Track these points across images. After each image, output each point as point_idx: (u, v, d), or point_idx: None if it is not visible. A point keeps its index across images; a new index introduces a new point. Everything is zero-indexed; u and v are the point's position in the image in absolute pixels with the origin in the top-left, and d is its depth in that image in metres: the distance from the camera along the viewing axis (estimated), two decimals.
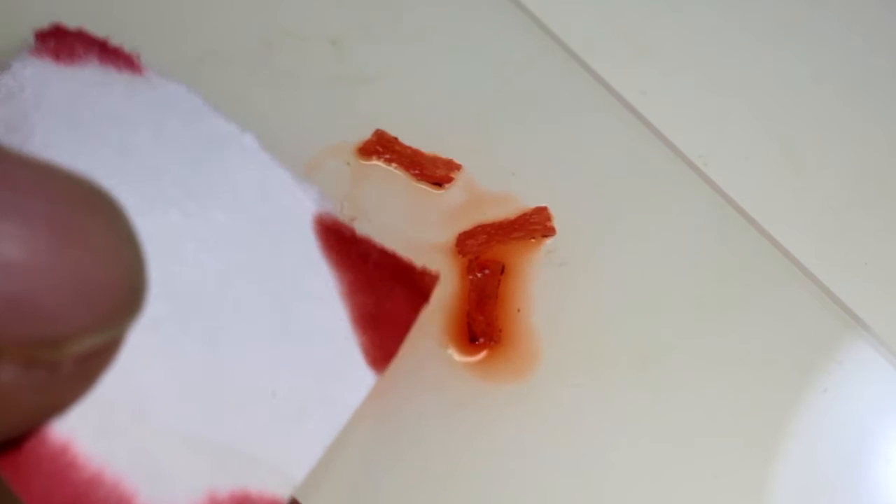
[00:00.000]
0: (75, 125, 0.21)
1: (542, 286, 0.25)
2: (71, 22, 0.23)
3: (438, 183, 0.26)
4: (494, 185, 0.26)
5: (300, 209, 0.22)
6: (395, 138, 0.26)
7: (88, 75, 0.22)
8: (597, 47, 0.29)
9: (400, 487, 0.23)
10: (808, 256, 0.26)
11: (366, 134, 0.26)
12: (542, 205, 0.26)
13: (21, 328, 0.15)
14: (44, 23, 0.22)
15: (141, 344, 0.17)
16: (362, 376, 0.21)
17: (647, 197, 0.27)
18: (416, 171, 0.26)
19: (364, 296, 0.21)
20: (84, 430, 0.18)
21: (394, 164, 0.26)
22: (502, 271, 0.25)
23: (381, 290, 0.22)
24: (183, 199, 0.21)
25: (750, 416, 0.24)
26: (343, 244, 0.22)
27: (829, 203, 0.27)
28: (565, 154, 0.27)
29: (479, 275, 0.25)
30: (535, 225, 0.26)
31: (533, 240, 0.26)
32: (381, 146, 0.26)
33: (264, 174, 0.22)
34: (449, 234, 0.25)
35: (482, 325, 0.24)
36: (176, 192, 0.21)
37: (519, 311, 0.25)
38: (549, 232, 0.26)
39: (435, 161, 0.26)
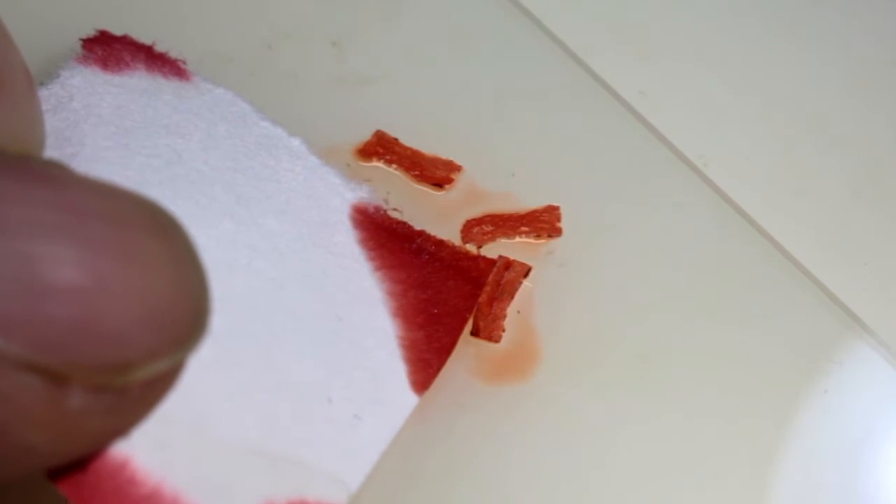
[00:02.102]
0: (125, 134, 0.20)
1: (542, 286, 0.25)
2: (76, 23, 0.23)
3: (439, 184, 0.26)
4: (494, 185, 0.26)
5: (350, 210, 0.22)
6: (396, 139, 0.26)
7: (136, 83, 0.22)
8: (597, 47, 0.29)
9: (400, 487, 0.23)
10: (808, 256, 0.26)
11: (366, 135, 0.26)
12: (549, 204, 0.26)
13: (90, 354, 0.15)
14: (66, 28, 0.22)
15: (197, 357, 0.17)
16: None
17: (647, 197, 0.27)
18: (417, 173, 0.26)
19: (419, 291, 0.21)
20: (143, 446, 0.18)
21: (394, 166, 0.26)
22: (527, 274, 0.25)
23: (437, 284, 0.22)
24: (234, 206, 0.20)
25: (750, 417, 0.24)
26: (396, 241, 0.22)
27: (829, 203, 0.27)
28: (565, 154, 0.27)
29: (504, 273, 0.25)
30: (543, 223, 0.26)
31: (538, 238, 0.26)
32: (382, 147, 0.26)
33: (313, 177, 0.22)
34: (449, 235, 0.25)
35: (487, 321, 0.24)
36: (227, 200, 0.20)
37: (519, 311, 0.25)
38: (555, 232, 0.26)
39: (435, 162, 0.26)
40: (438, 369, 0.21)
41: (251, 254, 0.20)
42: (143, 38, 0.24)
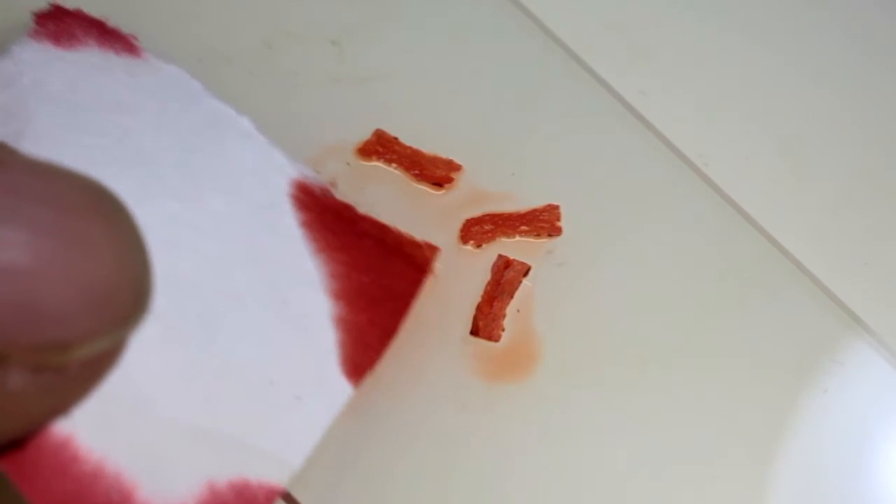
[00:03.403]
0: (75, 111, 0.20)
1: (541, 286, 0.25)
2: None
3: (438, 183, 0.26)
4: (494, 185, 0.26)
5: (295, 191, 0.22)
6: (396, 138, 0.26)
7: (88, 59, 0.22)
8: (597, 47, 0.29)
9: (400, 486, 0.23)
10: (808, 256, 0.26)
11: (366, 134, 0.26)
12: (549, 203, 0.26)
13: (29, 334, 0.15)
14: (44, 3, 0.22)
15: (140, 337, 0.17)
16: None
17: (647, 197, 0.27)
18: (417, 172, 0.26)
19: (362, 274, 0.21)
20: (84, 425, 0.18)
21: (394, 165, 0.26)
22: (526, 273, 0.25)
23: (381, 268, 0.22)
24: (181, 185, 0.20)
25: (750, 416, 0.24)
26: (340, 223, 0.22)
27: (829, 203, 0.27)
28: (565, 154, 0.27)
29: (504, 273, 0.25)
30: (543, 222, 0.26)
31: (538, 237, 0.26)
32: (381, 146, 0.26)
33: (261, 158, 0.22)
34: (449, 235, 0.25)
35: (487, 320, 0.24)
36: (174, 179, 0.20)
37: (519, 311, 0.25)
38: (555, 231, 0.26)
39: (435, 161, 0.26)
40: (380, 353, 0.21)
41: (196, 234, 0.20)
42: (143, 37, 0.24)
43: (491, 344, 0.24)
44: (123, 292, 0.16)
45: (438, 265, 0.24)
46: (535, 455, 0.23)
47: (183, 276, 0.20)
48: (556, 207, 0.26)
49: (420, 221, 0.25)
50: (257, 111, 0.23)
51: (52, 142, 0.20)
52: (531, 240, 0.26)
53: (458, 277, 0.25)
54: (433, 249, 0.22)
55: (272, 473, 0.19)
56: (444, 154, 0.26)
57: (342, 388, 0.21)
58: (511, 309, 0.25)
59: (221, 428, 0.19)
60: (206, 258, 0.20)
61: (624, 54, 0.29)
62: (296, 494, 0.22)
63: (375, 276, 0.21)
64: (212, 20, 0.28)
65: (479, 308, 0.25)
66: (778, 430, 0.24)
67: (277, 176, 0.22)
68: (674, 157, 0.27)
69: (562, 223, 0.26)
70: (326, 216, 0.22)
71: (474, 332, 0.24)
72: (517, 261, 0.25)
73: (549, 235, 0.26)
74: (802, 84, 0.29)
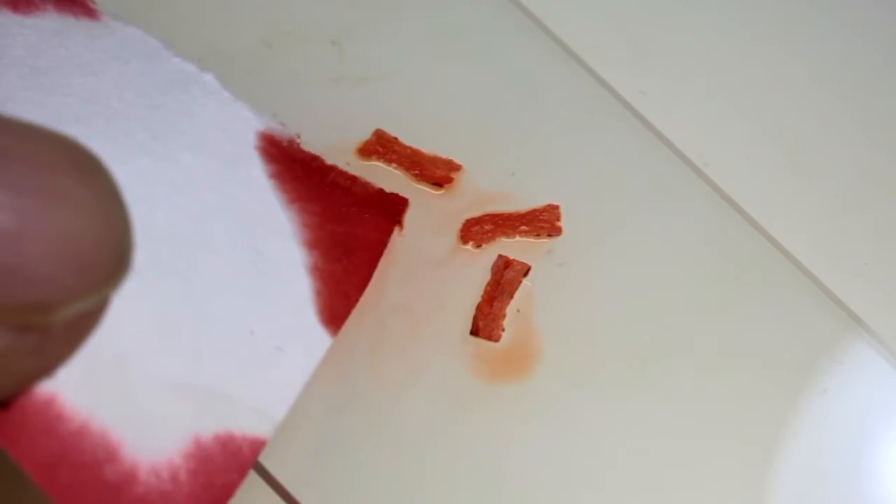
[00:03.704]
0: (39, 74, 0.21)
1: (541, 285, 0.25)
2: None
3: (438, 183, 0.26)
4: (494, 185, 0.26)
5: (263, 144, 0.22)
6: (395, 138, 0.26)
7: (47, 24, 0.22)
8: (597, 47, 0.29)
9: (400, 486, 0.23)
10: (808, 256, 0.26)
11: (365, 134, 0.26)
12: (549, 203, 0.26)
13: (13, 294, 0.15)
14: None
15: (121, 294, 0.17)
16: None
17: (647, 197, 0.27)
18: (416, 172, 0.26)
19: (334, 224, 0.22)
20: (69, 383, 0.18)
21: (394, 165, 0.26)
22: (526, 273, 0.25)
23: (352, 218, 0.22)
24: (150, 142, 0.20)
25: (750, 416, 0.24)
26: (310, 175, 0.22)
27: (829, 203, 0.27)
28: (565, 154, 0.27)
29: (504, 273, 0.25)
30: (543, 222, 0.26)
31: (538, 237, 0.26)
32: (381, 146, 0.26)
33: (226, 112, 0.22)
34: (449, 235, 0.25)
35: (487, 321, 0.24)
36: (143, 136, 0.21)
37: (519, 311, 0.25)
38: (555, 231, 0.26)
39: (435, 161, 0.26)
40: (356, 301, 0.21)
41: (169, 189, 0.20)
42: None
43: (491, 344, 0.24)
44: (106, 251, 0.16)
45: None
46: (536, 455, 0.23)
47: (159, 232, 0.20)
48: (556, 207, 0.26)
49: (420, 221, 0.25)
50: (257, 111, 0.23)
51: (19, 104, 0.20)
52: (531, 240, 0.26)
53: (457, 277, 0.25)
54: (403, 201, 0.23)
55: (256, 425, 0.20)
56: (444, 154, 0.26)
57: (321, 337, 0.21)
58: (511, 309, 0.25)
59: (204, 381, 0.19)
60: (180, 212, 0.20)
61: (624, 54, 0.29)
62: (295, 493, 0.22)
63: (348, 227, 0.22)
64: (212, 20, 0.28)
65: (478, 308, 0.25)
66: (778, 429, 0.24)
67: (244, 129, 0.22)
68: (674, 157, 0.27)
69: (562, 223, 0.26)
70: (295, 167, 0.22)
71: (474, 332, 0.24)
72: (517, 261, 0.25)
73: (549, 235, 0.26)
74: (802, 84, 0.29)
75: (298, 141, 0.23)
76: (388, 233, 0.22)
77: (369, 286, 0.22)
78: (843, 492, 0.24)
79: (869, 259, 0.27)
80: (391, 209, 0.23)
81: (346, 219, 0.22)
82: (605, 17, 0.29)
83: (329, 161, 0.23)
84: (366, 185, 0.22)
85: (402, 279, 0.25)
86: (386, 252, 0.22)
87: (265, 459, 0.22)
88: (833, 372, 0.25)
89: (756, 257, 0.26)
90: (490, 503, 0.23)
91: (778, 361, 0.25)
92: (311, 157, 0.22)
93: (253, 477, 0.22)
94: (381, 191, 0.22)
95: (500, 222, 0.26)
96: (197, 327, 0.20)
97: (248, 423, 0.20)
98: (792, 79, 0.29)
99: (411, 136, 0.26)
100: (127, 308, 0.18)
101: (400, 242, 0.24)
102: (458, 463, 0.23)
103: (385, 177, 0.26)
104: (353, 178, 0.22)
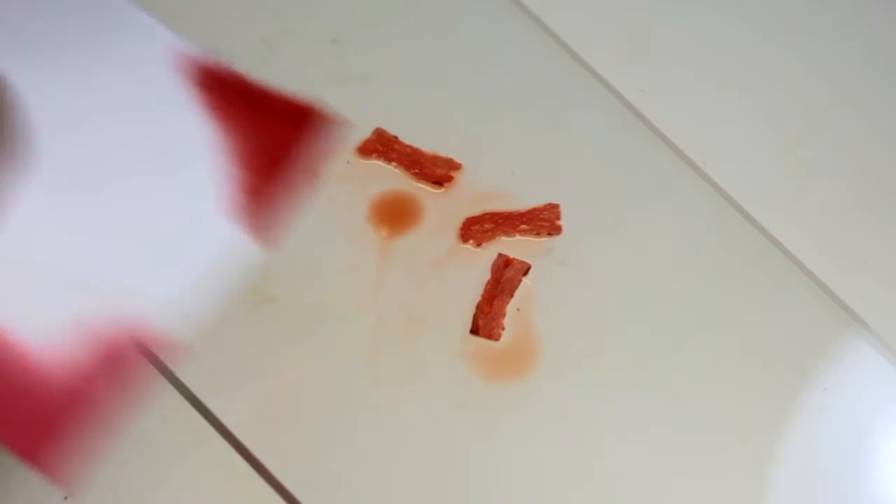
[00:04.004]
0: None
1: (542, 284, 0.25)
2: None
3: (438, 182, 0.26)
4: (494, 183, 0.26)
5: (182, 62, 0.23)
6: (395, 137, 0.26)
7: None
8: (597, 47, 0.29)
9: (400, 485, 0.23)
10: (808, 256, 0.26)
11: (365, 132, 0.26)
12: (549, 202, 0.26)
13: None
14: None
15: (26, 200, 0.18)
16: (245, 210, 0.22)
17: (647, 196, 0.27)
18: (417, 170, 0.26)
19: (254, 134, 0.22)
20: None
21: (394, 163, 0.26)
22: (527, 272, 0.25)
23: (271, 128, 0.22)
24: (72, 66, 0.21)
25: (750, 415, 0.24)
26: (227, 89, 0.22)
27: (829, 203, 0.27)
28: (565, 153, 0.27)
29: (504, 271, 0.25)
30: (543, 221, 0.26)
31: (538, 236, 0.26)
32: (381, 145, 0.26)
33: (144, 35, 0.23)
34: (449, 233, 0.25)
35: (487, 319, 0.24)
36: (64, 61, 0.21)
37: (519, 310, 0.25)
38: (555, 230, 0.26)
39: (435, 160, 0.26)
40: (281, 207, 0.22)
41: (89, 109, 0.21)
42: None
43: (491, 343, 0.24)
44: None
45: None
46: (535, 453, 0.23)
47: (79, 151, 0.21)
48: (556, 206, 0.26)
49: (420, 220, 0.25)
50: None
51: None
52: (531, 238, 0.26)
53: (457, 276, 0.25)
54: (320, 113, 0.23)
55: (150, 309, 0.20)
56: (443, 153, 0.26)
57: (224, 228, 0.22)
58: (511, 308, 0.25)
59: (99, 271, 0.20)
60: (103, 132, 0.21)
61: (624, 53, 0.29)
62: (296, 493, 0.22)
63: (267, 137, 0.22)
64: (212, 19, 0.28)
65: (479, 307, 0.25)
66: (778, 427, 0.24)
67: (162, 50, 0.23)
68: (673, 156, 0.27)
69: (562, 222, 0.26)
70: (213, 82, 0.22)
71: (474, 330, 0.24)
72: (517, 259, 0.25)
73: (549, 234, 0.26)
74: (802, 83, 0.29)
75: (215, 59, 0.23)
76: (303, 142, 0.23)
77: (369, 286, 0.22)
78: (844, 488, 0.24)
79: (869, 258, 0.27)
80: (308, 118, 0.23)
81: (263, 129, 0.22)
82: (605, 17, 0.29)
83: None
84: (281, 97, 0.23)
85: (402, 278, 0.25)
86: (308, 166, 0.23)
87: (265, 459, 0.22)
88: (833, 370, 0.25)
89: (756, 256, 0.26)
90: (490, 501, 0.23)
91: (778, 359, 0.25)
92: (228, 73, 0.23)
93: (253, 477, 0.22)
94: (297, 102, 0.23)
95: (501, 221, 0.26)
96: (105, 231, 0.20)
97: (151, 310, 0.20)
98: (791, 78, 0.29)
99: (411, 135, 0.26)
100: (34, 215, 0.19)
101: (400, 241, 0.24)
102: (457, 461, 0.23)
103: (385, 175, 0.26)
104: (270, 92, 0.23)
